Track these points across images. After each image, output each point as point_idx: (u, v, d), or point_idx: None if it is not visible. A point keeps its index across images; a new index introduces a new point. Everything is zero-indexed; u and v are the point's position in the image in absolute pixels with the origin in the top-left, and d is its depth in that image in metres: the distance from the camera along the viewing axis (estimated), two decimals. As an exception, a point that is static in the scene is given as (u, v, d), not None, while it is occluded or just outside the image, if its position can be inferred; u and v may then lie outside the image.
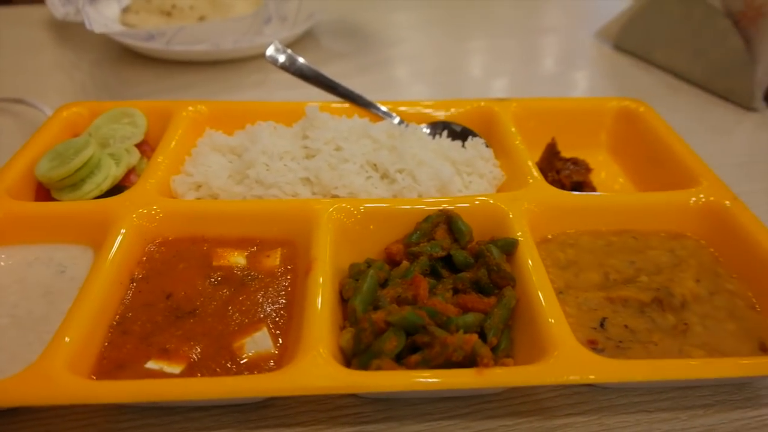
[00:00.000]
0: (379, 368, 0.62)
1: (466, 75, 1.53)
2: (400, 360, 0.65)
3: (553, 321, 0.66)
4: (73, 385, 0.59)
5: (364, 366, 0.63)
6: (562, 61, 1.66)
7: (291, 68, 1.07)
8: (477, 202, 0.83)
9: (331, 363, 0.61)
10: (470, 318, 0.68)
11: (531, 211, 0.82)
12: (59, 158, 0.88)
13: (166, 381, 0.61)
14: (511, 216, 0.81)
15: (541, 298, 0.69)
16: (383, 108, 1.06)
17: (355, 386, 0.59)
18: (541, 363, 0.62)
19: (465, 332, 0.65)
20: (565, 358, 0.62)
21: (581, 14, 1.94)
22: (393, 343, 0.64)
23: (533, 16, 1.92)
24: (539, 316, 0.67)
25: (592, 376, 0.60)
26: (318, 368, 0.60)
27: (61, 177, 0.86)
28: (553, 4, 2.03)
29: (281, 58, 1.07)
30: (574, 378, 0.60)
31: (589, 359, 0.62)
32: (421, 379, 0.60)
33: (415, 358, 0.64)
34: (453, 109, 1.07)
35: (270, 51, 1.08)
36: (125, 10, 1.54)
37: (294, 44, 1.57)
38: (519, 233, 0.78)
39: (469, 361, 0.63)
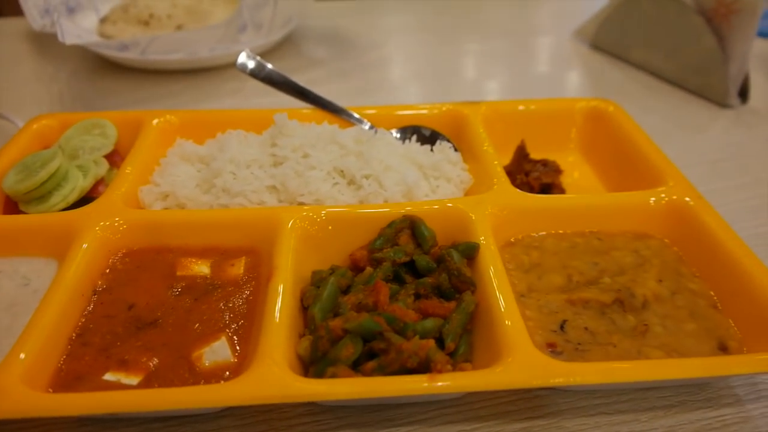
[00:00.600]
0: (333, 376, 0.62)
1: (443, 78, 1.53)
2: (358, 367, 0.65)
3: (509, 324, 0.66)
4: (27, 398, 0.59)
5: (320, 374, 0.63)
6: (539, 61, 1.66)
7: (260, 75, 1.07)
8: (438, 207, 0.83)
9: (285, 371, 0.61)
10: (429, 323, 0.68)
11: (494, 214, 0.82)
12: (26, 171, 0.89)
13: (117, 393, 0.61)
14: (474, 220, 0.81)
15: (500, 302, 0.69)
16: (354, 114, 1.06)
17: (305, 395, 0.59)
18: (494, 368, 0.61)
19: (423, 338, 0.65)
20: (519, 363, 0.61)
21: (557, 14, 1.94)
22: (349, 350, 0.64)
23: (509, 17, 1.92)
24: (497, 320, 0.67)
25: (544, 381, 0.60)
26: (271, 377, 0.60)
27: (28, 189, 0.86)
28: (528, 4, 2.02)
29: (251, 65, 1.08)
30: (523, 383, 0.60)
31: (543, 363, 0.62)
32: (371, 386, 0.60)
33: (371, 364, 0.64)
34: (423, 113, 1.07)
35: (241, 58, 1.08)
36: (103, 21, 1.54)
37: (273, 51, 1.58)
38: (482, 237, 0.78)
39: (425, 367, 0.63)
